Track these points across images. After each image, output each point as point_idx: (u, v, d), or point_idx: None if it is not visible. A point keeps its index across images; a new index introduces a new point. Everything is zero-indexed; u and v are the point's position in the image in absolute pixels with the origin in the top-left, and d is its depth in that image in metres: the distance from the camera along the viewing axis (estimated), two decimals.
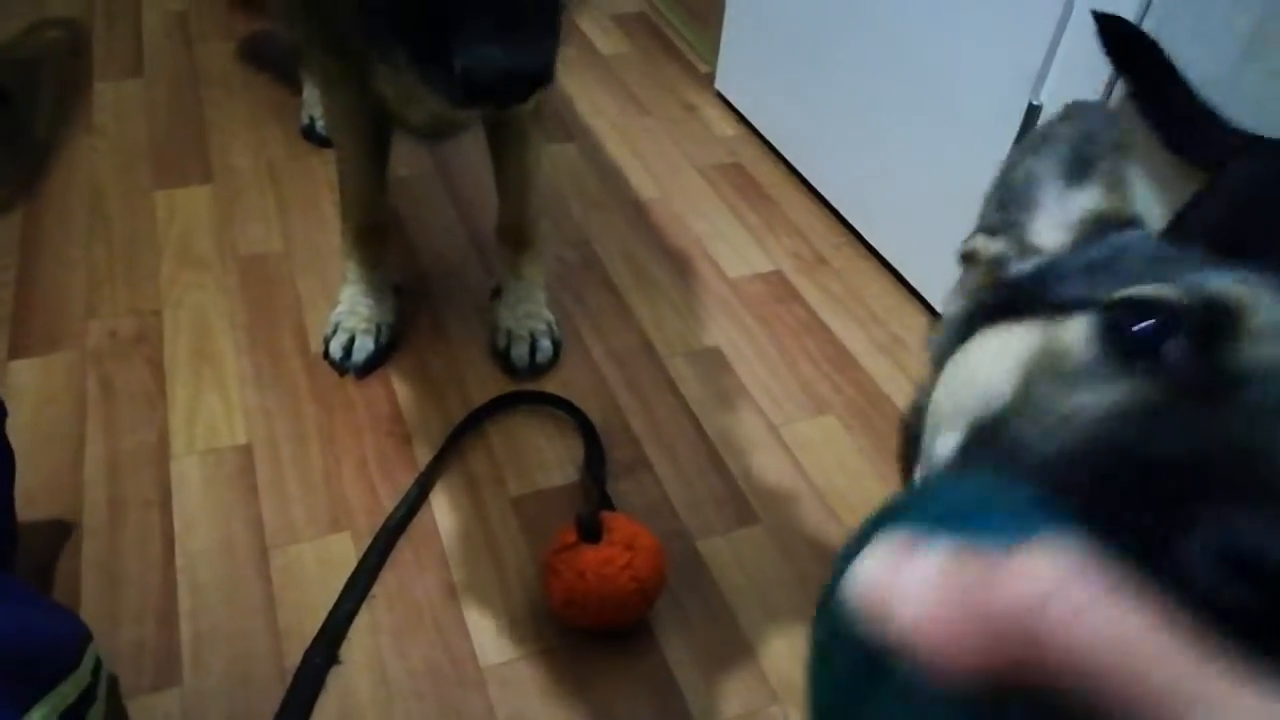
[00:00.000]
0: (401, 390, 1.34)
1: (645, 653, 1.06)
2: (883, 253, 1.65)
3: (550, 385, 1.37)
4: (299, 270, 1.52)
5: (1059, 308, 0.43)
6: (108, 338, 1.36)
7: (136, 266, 1.49)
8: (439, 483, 1.21)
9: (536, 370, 1.38)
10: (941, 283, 0.60)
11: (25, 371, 1.30)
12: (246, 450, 1.23)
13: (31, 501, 1.12)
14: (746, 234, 1.70)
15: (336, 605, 1.05)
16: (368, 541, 1.12)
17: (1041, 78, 1.28)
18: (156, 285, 1.46)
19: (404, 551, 1.13)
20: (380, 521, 1.14)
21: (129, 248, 1.52)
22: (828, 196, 1.77)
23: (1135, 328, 0.38)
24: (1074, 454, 0.33)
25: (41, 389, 1.28)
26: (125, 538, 1.11)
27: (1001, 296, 0.50)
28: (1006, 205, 0.57)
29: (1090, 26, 1.21)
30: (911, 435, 0.50)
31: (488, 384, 1.36)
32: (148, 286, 1.45)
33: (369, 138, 1.28)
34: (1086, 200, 0.55)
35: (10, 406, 1.22)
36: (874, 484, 1.26)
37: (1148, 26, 1.13)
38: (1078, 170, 0.56)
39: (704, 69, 2.14)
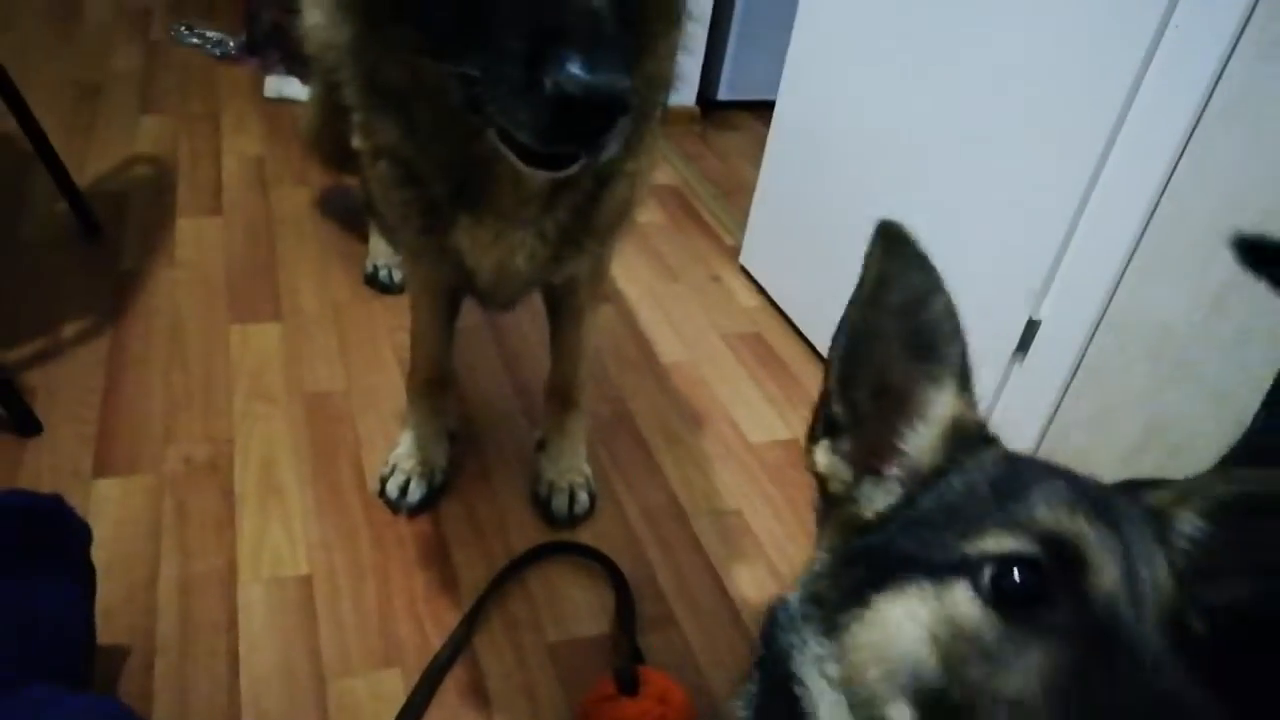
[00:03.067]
0: (450, 531, 1.45)
1: None
2: None
3: (585, 535, 1.48)
4: (358, 409, 1.65)
5: (934, 569, 0.52)
6: (183, 463, 1.48)
7: (212, 396, 1.62)
8: (482, 624, 1.31)
9: (574, 520, 1.50)
10: None
11: (107, 490, 1.41)
12: (307, 581, 1.33)
13: (109, 618, 1.21)
14: (766, 401, 1.85)
15: None
16: (416, 678, 1.21)
17: (1043, 294, 1.45)
18: (230, 415, 1.59)
19: (449, 691, 1.22)
20: (428, 659, 1.23)
21: (205, 377, 1.66)
22: None
23: (1008, 586, 0.49)
24: None
25: (121, 509, 1.39)
26: (195, 658, 1.20)
27: (876, 555, 0.57)
28: (851, 362, 0.61)
29: (1089, 246, 1.35)
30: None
31: (528, 530, 1.48)
32: (221, 416, 1.58)
33: (443, 304, 1.44)
34: (942, 406, 0.59)
35: (91, 524, 1.33)
36: None
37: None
38: (921, 348, 0.60)
39: (730, 241, 2.34)
